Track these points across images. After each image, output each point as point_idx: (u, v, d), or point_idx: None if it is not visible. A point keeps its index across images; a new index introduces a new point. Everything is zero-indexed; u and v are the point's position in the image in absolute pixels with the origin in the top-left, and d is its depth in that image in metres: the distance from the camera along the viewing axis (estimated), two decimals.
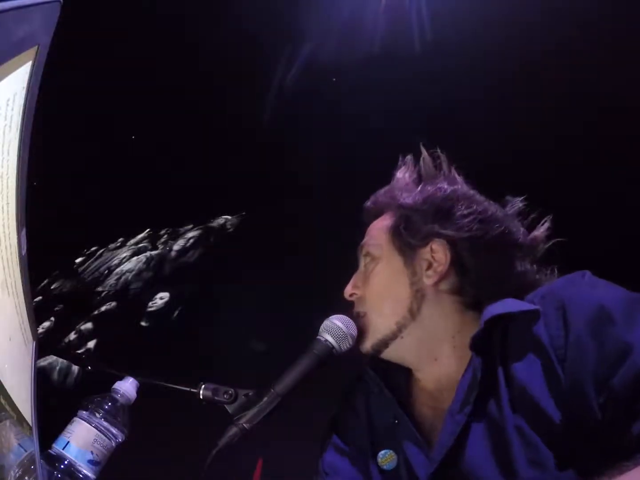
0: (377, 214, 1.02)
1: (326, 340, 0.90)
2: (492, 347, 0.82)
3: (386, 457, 0.89)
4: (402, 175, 1.02)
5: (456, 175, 1.00)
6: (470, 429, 0.80)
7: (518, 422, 0.76)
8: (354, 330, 0.91)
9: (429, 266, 0.91)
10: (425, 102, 2.13)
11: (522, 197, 0.99)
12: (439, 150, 1.03)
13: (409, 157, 1.04)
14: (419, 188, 0.98)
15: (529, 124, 2.20)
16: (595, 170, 2.17)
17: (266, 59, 2.45)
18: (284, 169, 2.66)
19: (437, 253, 0.90)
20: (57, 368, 3.06)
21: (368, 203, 1.05)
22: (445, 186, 0.97)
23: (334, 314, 0.93)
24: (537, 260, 0.95)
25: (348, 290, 0.98)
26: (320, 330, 0.92)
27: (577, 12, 2.01)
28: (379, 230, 0.98)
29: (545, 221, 0.97)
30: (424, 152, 1.03)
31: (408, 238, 0.93)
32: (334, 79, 2.46)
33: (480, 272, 0.90)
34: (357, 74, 2.35)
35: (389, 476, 0.89)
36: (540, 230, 0.96)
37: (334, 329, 0.90)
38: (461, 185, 0.98)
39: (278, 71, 2.46)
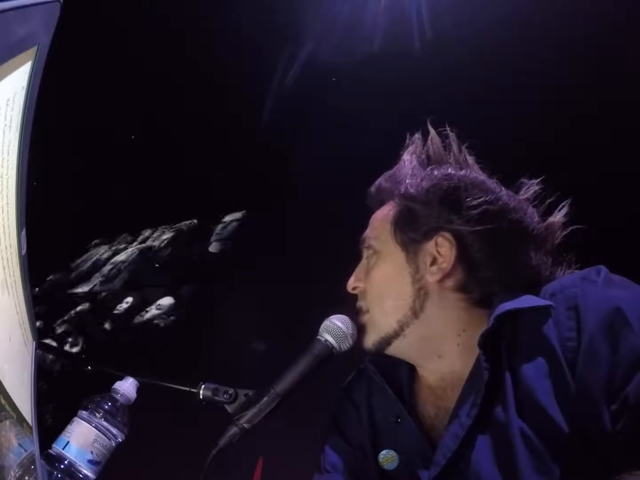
0: (381, 202, 0.96)
1: (326, 340, 0.89)
2: (500, 345, 0.78)
3: (387, 457, 0.88)
4: (409, 157, 0.94)
5: (467, 157, 0.93)
6: (476, 432, 0.76)
7: (523, 428, 0.72)
8: (354, 330, 0.90)
9: (434, 262, 0.85)
10: (425, 101, 2.12)
11: (538, 180, 0.91)
12: (448, 129, 0.94)
13: (416, 136, 0.96)
14: (425, 174, 0.90)
15: (530, 124, 2.20)
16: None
17: (266, 59, 2.45)
18: (284, 169, 2.66)
19: (442, 248, 0.85)
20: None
21: (372, 188, 0.98)
22: (453, 172, 0.89)
23: (334, 314, 0.92)
24: (553, 250, 0.88)
25: (351, 283, 0.94)
26: (320, 330, 0.91)
27: (578, 10, 2.00)
28: (380, 222, 0.93)
29: (563, 206, 0.89)
30: (432, 132, 0.94)
31: (410, 233, 0.88)
32: (334, 79, 2.46)
33: (489, 268, 0.83)
34: (357, 74, 2.34)
35: (390, 476, 0.88)
36: (557, 217, 0.88)
37: (334, 329, 0.90)
38: (471, 170, 0.91)
39: (278, 71, 2.45)
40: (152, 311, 3.34)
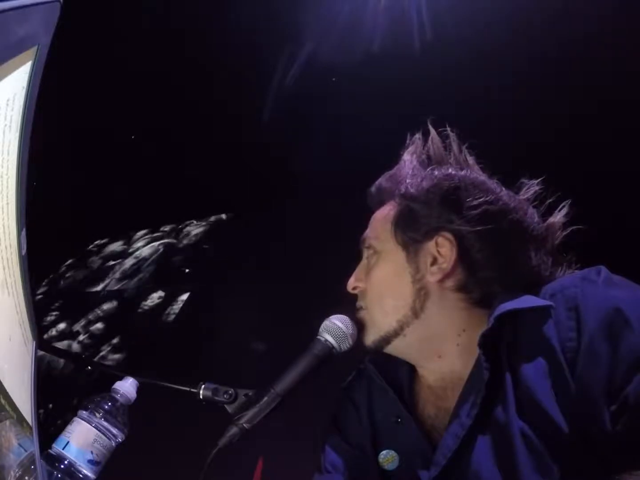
0: (381, 202, 0.96)
1: (326, 340, 0.89)
2: (501, 345, 0.78)
3: (387, 458, 0.88)
4: (410, 157, 0.95)
5: (467, 157, 0.94)
6: (476, 432, 0.77)
7: (523, 428, 0.72)
8: (354, 330, 0.90)
9: (434, 262, 0.86)
10: (425, 101, 2.12)
11: (539, 180, 0.92)
12: (448, 129, 0.95)
13: (417, 136, 0.97)
14: (425, 174, 0.90)
15: (530, 124, 2.20)
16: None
17: (266, 59, 2.44)
18: (284, 169, 2.66)
19: (443, 248, 0.85)
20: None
21: (372, 188, 0.99)
22: (453, 172, 0.89)
23: (334, 314, 0.92)
24: (553, 250, 0.88)
25: (351, 283, 0.94)
26: (320, 330, 0.91)
27: (578, 10, 2.00)
28: (381, 222, 0.93)
29: (563, 206, 0.89)
30: (432, 132, 0.95)
31: (411, 233, 0.88)
32: (334, 79, 2.45)
33: (489, 268, 0.84)
34: (357, 74, 2.34)
35: (390, 477, 0.88)
36: (557, 217, 0.89)
37: (334, 329, 0.90)
38: (471, 170, 0.91)
39: (278, 71, 2.45)
40: (177, 307, 3.31)
